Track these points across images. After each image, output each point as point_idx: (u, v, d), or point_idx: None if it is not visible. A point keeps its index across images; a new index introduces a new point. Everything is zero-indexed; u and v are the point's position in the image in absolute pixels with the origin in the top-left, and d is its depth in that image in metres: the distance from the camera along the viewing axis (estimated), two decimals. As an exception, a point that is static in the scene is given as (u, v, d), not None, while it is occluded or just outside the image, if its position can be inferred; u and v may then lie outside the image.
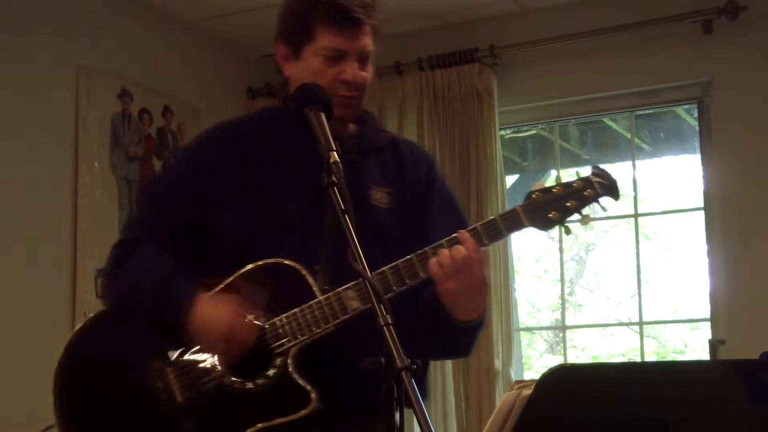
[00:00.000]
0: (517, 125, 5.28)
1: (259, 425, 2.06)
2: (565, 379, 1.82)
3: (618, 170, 6.07)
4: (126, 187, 4.65)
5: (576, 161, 5.60)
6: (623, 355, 7.68)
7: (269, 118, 2.36)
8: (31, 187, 4.22)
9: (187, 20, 4.99)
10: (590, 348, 8.02)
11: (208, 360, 2.11)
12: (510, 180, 5.45)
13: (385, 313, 1.77)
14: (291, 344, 2.08)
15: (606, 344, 8.00)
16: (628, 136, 5.16)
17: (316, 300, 2.09)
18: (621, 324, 7.37)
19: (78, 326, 2.25)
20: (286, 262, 2.11)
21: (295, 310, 2.09)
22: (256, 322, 2.08)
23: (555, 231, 5.44)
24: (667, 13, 4.62)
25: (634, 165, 5.05)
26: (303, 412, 2.05)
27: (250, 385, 2.08)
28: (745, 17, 4.49)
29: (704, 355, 4.98)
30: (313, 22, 2.21)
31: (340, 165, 1.97)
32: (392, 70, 5.11)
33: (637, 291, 5.10)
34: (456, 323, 2.15)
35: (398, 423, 1.74)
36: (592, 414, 1.85)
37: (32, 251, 4.19)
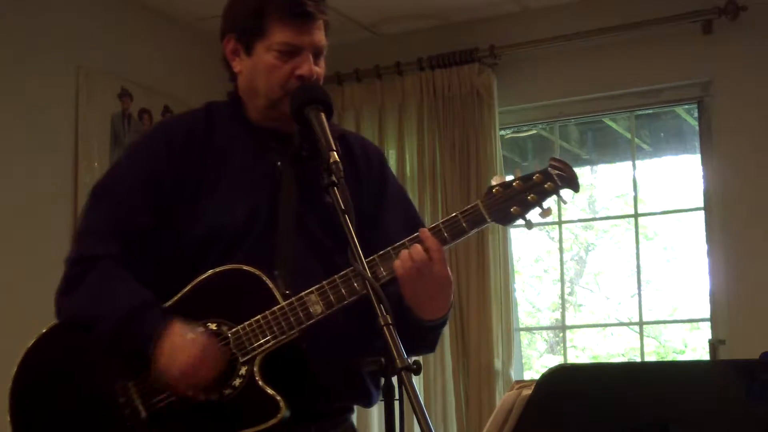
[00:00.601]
0: (517, 125, 5.28)
1: None
2: (565, 379, 1.82)
3: (618, 170, 6.08)
4: (126, 187, 4.65)
5: (576, 161, 5.59)
6: (623, 355, 7.68)
7: (217, 114, 2.29)
8: (31, 187, 4.22)
9: (187, 20, 4.99)
10: (590, 348, 8.01)
11: None
12: (510, 177, 5.44)
13: (385, 313, 1.76)
14: (256, 352, 2.02)
15: (606, 344, 8.00)
16: (628, 136, 5.16)
17: (279, 306, 2.03)
18: (621, 324, 7.36)
19: (31, 341, 2.17)
20: (245, 267, 2.05)
21: (258, 317, 2.03)
22: (222, 353, 2.01)
23: (555, 231, 5.42)
24: (667, 13, 4.62)
25: (634, 165, 5.05)
26: (272, 421, 2.00)
27: (215, 396, 2.02)
28: (745, 17, 4.49)
29: (704, 355, 4.98)
30: (265, 17, 2.15)
31: (340, 165, 1.96)
32: (392, 70, 5.11)
33: (637, 291, 5.10)
34: (420, 322, 2.10)
35: (398, 423, 1.74)
36: (592, 414, 1.85)
37: (32, 251, 4.19)
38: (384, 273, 2.05)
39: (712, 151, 4.66)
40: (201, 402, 2.02)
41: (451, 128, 4.97)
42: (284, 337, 2.02)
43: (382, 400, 1.79)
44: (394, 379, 1.74)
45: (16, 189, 4.17)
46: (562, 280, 5.35)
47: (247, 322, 2.04)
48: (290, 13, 2.14)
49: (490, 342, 4.70)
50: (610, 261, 8.08)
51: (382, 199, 2.27)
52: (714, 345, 4.53)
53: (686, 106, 5.03)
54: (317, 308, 2.03)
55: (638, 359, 5.75)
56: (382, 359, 1.73)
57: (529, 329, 6.97)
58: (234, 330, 2.04)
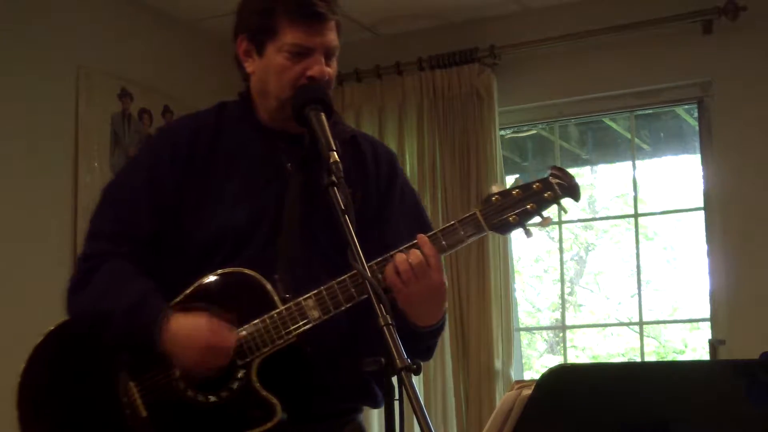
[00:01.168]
0: (517, 125, 5.28)
1: None
2: (565, 379, 1.82)
3: (618, 170, 6.08)
4: (126, 187, 4.65)
5: (576, 161, 5.60)
6: (623, 355, 7.68)
7: (228, 114, 2.30)
8: (31, 187, 4.22)
9: (187, 20, 4.99)
10: (590, 348, 8.01)
11: (170, 374, 2.06)
12: (510, 180, 5.45)
13: (385, 313, 1.77)
14: (254, 356, 2.04)
15: (606, 344, 8.00)
16: (628, 136, 5.15)
17: (277, 310, 2.04)
18: (621, 324, 7.36)
19: (41, 337, 2.20)
20: (246, 271, 2.07)
21: (257, 321, 2.04)
22: (233, 337, 2.03)
23: (555, 231, 5.42)
24: (667, 13, 4.62)
25: (634, 165, 5.05)
26: (268, 425, 2.02)
27: (213, 398, 2.04)
28: (745, 17, 4.49)
29: (704, 355, 4.98)
30: (276, 18, 2.15)
31: (340, 165, 1.96)
32: (392, 70, 5.11)
33: (637, 291, 5.10)
34: (414, 329, 2.10)
35: (398, 423, 1.74)
36: (592, 414, 1.85)
37: (32, 251, 4.19)
38: (383, 282, 2.04)
39: (712, 151, 4.66)
40: (200, 403, 2.04)
41: (451, 128, 4.97)
42: (281, 341, 2.03)
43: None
44: (394, 379, 1.73)
45: (16, 189, 4.17)
46: (562, 280, 5.35)
47: (246, 326, 2.05)
48: (301, 14, 2.14)
49: (490, 342, 4.70)
50: (610, 261, 8.08)
51: (389, 200, 2.27)
52: (714, 345, 4.53)
53: (686, 106, 5.03)
54: (314, 313, 2.04)
55: (638, 359, 5.75)
56: (382, 359, 1.72)
57: (529, 329, 6.97)
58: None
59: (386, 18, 5.07)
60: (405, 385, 1.69)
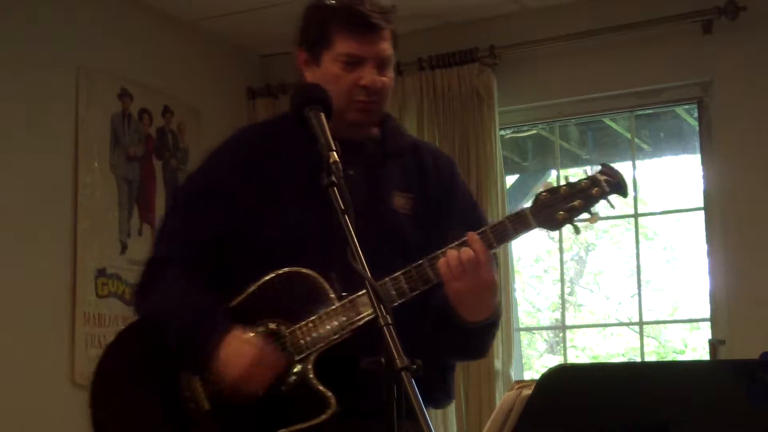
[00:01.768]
0: (517, 125, 5.28)
1: (281, 431, 2.10)
2: (565, 379, 1.82)
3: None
4: (126, 187, 4.65)
5: (576, 161, 5.59)
6: (623, 355, 7.68)
7: (292, 123, 2.32)
8: (31, 187, 4.22)
9: (187, 20, 4.99)
10: (590, 348, 8.02)
11: None
12: (510, 180, 5.45)
13: (384, 313, 1.77)
14: (310, 351, 2.11)
15: (606, 344, 8.00)
16: (628, 136, 5.15)
17: (332, 307, 2.12)
18: (621, 324, 7.37)
19: (121, 329, 2.33)
20: (303, 270, 2.14)
21: (313, 317, 2.12)
22: (280, 359, 2.11)
23: (555, 231, 5.42)
24: (667, 13, 4.62)
25: (634, 165, 5.05)
26: (323, 417, 2.08)
27: (272, 392, 2.12)
28: (745, 17, 4.49)
29: (704, 355, 4.98)
30: (330, 29, 2.22)
31: (340, 165, 1.97)
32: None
33: (637, 291, 5.10)
34: (464, 324, 2.16)
35: (397, 423, 1.74)
36: (592, 414, 1.85)
37: (32, 251, 4.19)
38: (434, 278, 2.11)
39: (712, 151, 4.66)
40: (258, 398, 2.11)
41: (451, 128, 4.97)
42: (336, 337, 2.11)
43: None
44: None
45: (16, 189, 4.17)
46: (562, 280, 5.35)
47: (303, 323, 2.12)
48: (353, 24, 2.21)
49: (490, 342, 4.70)
50: (610, 261, 8.09)
51: (449, 207, 2.33)
52: (714, 345, 4.53)
53: (686, 106, 5.02)
54: (367, 309, 2.09)
55: (638, 359, 5.76)
56: (382, 359, 1.73)
57: (529, 329, 6.98)
58: (291, 329, 2.13)
59: (386, 18, 5.06)
60: (405, 385, 1.69)
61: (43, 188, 4.28)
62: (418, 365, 1.72)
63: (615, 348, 7.87)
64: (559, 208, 2.11)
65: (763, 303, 4.39)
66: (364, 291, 2.06)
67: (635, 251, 5.05)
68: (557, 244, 5.36)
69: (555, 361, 7.87)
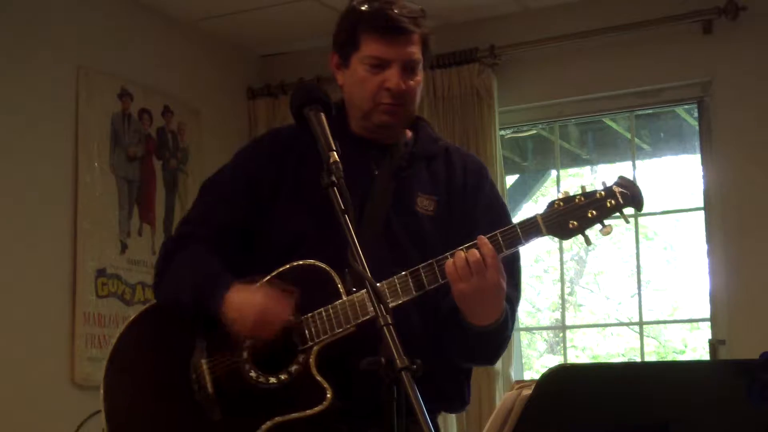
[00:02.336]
0: (517, 125, 5.28)
1: (278, 419, 2.12)
2: (565, 379, 1.82)
3: (618, 170, 6.08)
4: (126, 187, 4.65)
5: (576, 161, 5.60)
6: (623, 355, 7.69)
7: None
8: (31, 187, 4.22)
9: (187, 20, 4.99)
10: (590, 348, 8.02)
11: (239, 355, 2.18)
12: (510, 180, 5.45)
13: (384, 313, 1.77)
14: (314, 342, 2.14)
15: (606, 344, 8.01)
16: (628, 136, 5.16)
17: (340, 301, 2.14)
18: (621, 324, 7.37)
19: (130, 318, 2.35)
20: (318, 264, 2.17)
21: (321, 309, 2.14)
22: (288, 298, 2.14)
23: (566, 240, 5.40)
24: (667, 13, 4.62)
25: (634, 165, 5.05)
26: (317, 408, 2.10)
27: (272, 380, 2.16)
28: (745, 17, 4.49)
29: (704, 355, 4.98)
30: (358, 32, 2.25)
31: (340, 165, 1.98)
32: (392, 70, 5.10)
33: (637, 291, 5.10)
34: (471, 328, 2.17)
35: (398, 422, 1.74)
36: (592, 414, 1.85)
37: (32, 251, 4.19)
38: (441, 278, 2.13)
39: (712, 151, 4.66)
40: (260, 384, 2.16)
41: (451, 128, 4.97)
42: (341, 330, 2.13)
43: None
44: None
45: (16, 189, 4.17)
46: (562, 280, 5.35)
47: (310, 314, 2.15)
48: (380, 27, 2.23)
49: (490, 342, 4.70)
50: (610, 261, 8.09)
51: (476, 209, 2.33)
52: (714, 345, 4.53)
53: (686, 106, 5.03)
54: (371, 306, 2.07)
55: (638, 359, 5.76)
56: (382, 359, 1.73)
57: (529, 329, 6.98)
58: (297, 320, 2.16)
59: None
60: (405, 385, 1.69)
61: (43, 188, 4.28)
62: (418, 365, 1.72)
63: (615, 348, 7.87)
64: (572, 218, 2.11)
65: (763, 303, 4.39)
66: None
67: (635, 251, 5.05)
68: (557, 244, 5.36)
69: (555, 361, 7.88)
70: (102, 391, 2.29)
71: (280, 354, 2.16)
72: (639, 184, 2.14)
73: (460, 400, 2.37)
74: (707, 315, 4.69)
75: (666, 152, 5.70)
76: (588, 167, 6.22)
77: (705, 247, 4.69)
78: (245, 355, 2.19)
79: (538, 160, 5.63)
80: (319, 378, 2.12)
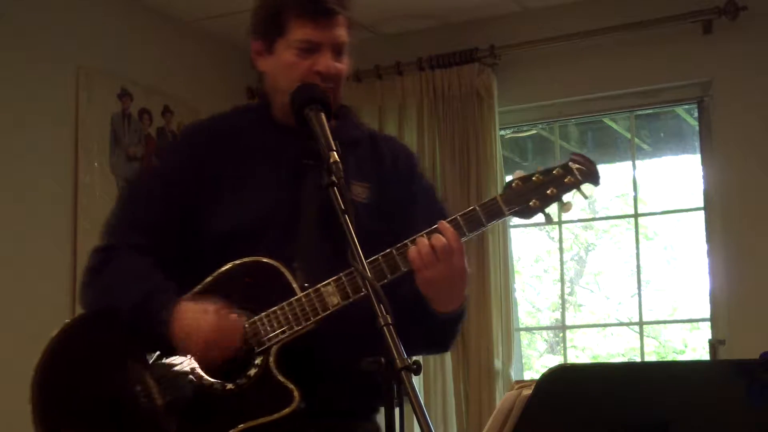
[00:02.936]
0: (517, 125, 5.28)
1: (241, 426, 2.03)
2: (565, 379, 1.82)
3: (618, 170, 6.08)
4: (126, 187, 4.66)
5: (576, 161, 5.58)
6: (623, 355, 7.68)
7: (245, 115, 2.34)
8: (31, 187, 4.22)
9: (187, 20, 4.99)
10: (590, 348, 8.01)
11: (186, 361, 2.07)
12: (509, 178, 5.44)
13: (385, 313, 1.77)
14: (272, 342, 2.05)
15: (606, 344, 7.99)
16: (628, 136, 5.15)
17: (296, 297, 2.06)
18: (621, 324, 7.36)
19: (55, 332, 2.18)
20: (264, 260, 2.09)
21: (275, 308, 2.06)
22: (240, 321, 2.05)
23: (555, 231, 5.41)
24: (667, 13, 4.62)
25: (634, 165, 5.05)
26: (286, 411, 2.02)
27: (230, 385, 2.06)
28: (745, 17, 4.49)
29: (704, 355, 4.98)
30: (284, 15, 2.18)
31: (340, 165, 1.97)
32: (392, 70, 5.11)
33: (637, 291, 5.10)
34: (434, 315, 2.12)
35: (398, 422, 1.74)
36: (592, 414, 1.85)
37: (32, 251, 4.19)
38: (403, 267, 2.07)
39: (712, 151, 4.66)
40: (217, 391, 2.05)
41: (451, 128, 4.97)
42: (300, 327, 2.05)
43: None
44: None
45: (16, 189, 4.17)
46: (562, 280, 5.35)
47: (264, 313, 2.06)
48: (308, 10, 2.17)
49: (490, 342, 4.70)
50: (610, 261, 8.08)
51: (410, 198, 2.29)
52: (714, 345, 4.53)
53: (686, 106, 5.03)
54: (334, 299, 2.06)
55: (638, 359, 5.75)
56: (382, 359, 1.72)
57: (529, 329, 6.97)
58: (251, 321, 2.07)
59: (386, 18, 5.07)
60: (405, 385, 1.69)
61: (43, 188, 4.28)
62: (418, 365, 1.72)
63: (615, 348, 7.86)
64: (532, 196, 2.10)
65: (763, 303, 4.39)
66: (329, 280, 2.05)
67: (635, 251, 5.05)
68: (557, 244, 5.36)
69: (555, 361, 7.87)
70: (33, 418, 2.14)
71: (235, 357, 2.07)
72: (593, 160, 2.14)
73: (384, 394, 2.27)
74: (707, 315, 4.69)
75: (666, 152, 5.69)
76: (600, 178, 6.21)
77: (705, 247, 4.69)
78: (193, 360, 2.07)
79: (538, 160, 5.62)
80: (282, 379, 2.04)
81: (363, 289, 1.99)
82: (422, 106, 5.04)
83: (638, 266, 5.04)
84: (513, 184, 2.11)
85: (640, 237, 5.26)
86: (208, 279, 2.12)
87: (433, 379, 4.81)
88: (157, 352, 2.10)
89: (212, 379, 2.07)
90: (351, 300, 2.05)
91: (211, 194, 2.20)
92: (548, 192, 2.10)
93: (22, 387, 4.35)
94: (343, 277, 2.06)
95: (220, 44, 5.22)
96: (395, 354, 1.71)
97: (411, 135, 5.07)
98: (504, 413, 1.88)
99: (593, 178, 2.12)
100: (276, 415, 2.02)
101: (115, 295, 2.13)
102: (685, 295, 6.81)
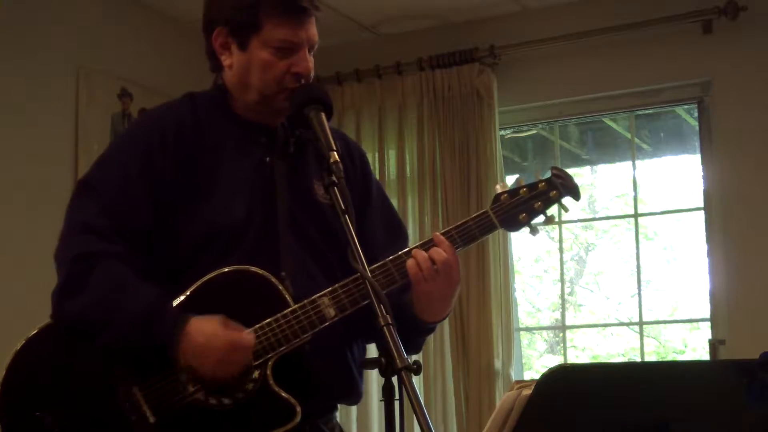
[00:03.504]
0: (517, 125, 5.28)
1: None
2: (565, 379, 1.82)
3: (618, 170, 6.08)
4: (126, 187, 4.65)
5: (576, 161, 5.59)
6: (623, 355, 7.68)
7: (203, 107, 2.26)
8: (31, 187, 4.22)
9: (187, 20, 4.98)
10: (590, 348, 8.01)
11: (175, 377, 2.00)
12: (510, 180, 5.44)
13: (385, 313, 1.77)
14: (268, 356, 1.99)
15: (606, 344, 8.00)
16: (628, 136, 5.15)
17: (290, 309, 2.01)
18: (621, 324, 7.36)
19: (20, 344, 2.06)
20: (252, 269, 2.03)
21: (270, 320, 2.00)
22: (252, 337, 1.99)
23: (555, 231, 5.41)
24: (667, 13, 4.62)
25: (634, 165, 5.05)
26: (289, 426, 1.99)
27: (227, 401, 1.99)
28: (745, 17, 4.49)
29: (704, 355, 4.98)
30: (260, 12, 2.12)
31: (340, 165, 1.96)
32: (392, 70, 5.11)
33: (637, 291, 5.10)
34: (420, 324, 2.14)
35: (398, 423, 1.74)
36: (592, 414, 1.85)
37: (32, 251, 4.18)
38: (400, 279, 2.07)
39: (712, 151, 4.66)
40: (212, 407, 1.99)
41: (451, 128, 4.97)
42: (297, 340, 2.01)
43: (381, 400, 1.78)
44: (395, 379, 1.73)
45: (16, 189, 4.17)
46: (562, 280, 5.35)
47: (259, 325, 2.01)
48: (286, 9, 2.12)
49: (490, 342, 4.70)
50: (610, 261, 8.08)
51: (366, 199, 2.27)
52: (714, 345, 4.53)
53: (686, 106, 5.02)
54: (330, 311, 2.03)
55: (638, 359, 5.75)
56: (382, 359, 1.72)
57: (529, 329, 6.97)
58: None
59: (386, 18, 5.07)
60: (405, 385, 1.69)
61: (43, 188, 4.28)
62: (418, 365, 1.72)
63: (615, 348, 7.86)
64: (521, 210, 2.16)
65: (763, 303, 4.39)
66: (324, 292, 2.02)
67: (635, 251, 5.05)
68: (557, 244, 5.36)
69: (555, 361, 7.87)
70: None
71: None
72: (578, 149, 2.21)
73: (360, 393, 2.23)
74: (707, 315, 4.69)
75: (666, 152, 5.69)
76: (588, 167, 6.22)
77: (705, 247, 4.69)
78: (184, 376, 1.99)
79: (538, 160, 5.62)
80: (283, 394, 1.99)
81: (361, 302, 2.01)
82: (422, 106, 5.04)
83: (638, 266, 5.04)
84: (501, 197, 2.16)
85: (640, 237, 5.27)
86: (193, 288, 2.03)
87: (433, 379, 4.81)
88: (142, 367, 2.00)
89: (207, 395, 2.00)
90: (348, 312, 2.04)
91: (181, 193, 2.11)
92: (536, 206, 2.15)
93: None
94: (339, 289, 2.03)
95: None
96: (395, 354, 1.71)
97: (411, 135, 5.07)
98: (504, 413, 1.88)
99: (574, 193, 2.18)
100: (280, 430, 2.00)
101: (108, 308, 2.01)
102: (685, 295, 6.81)
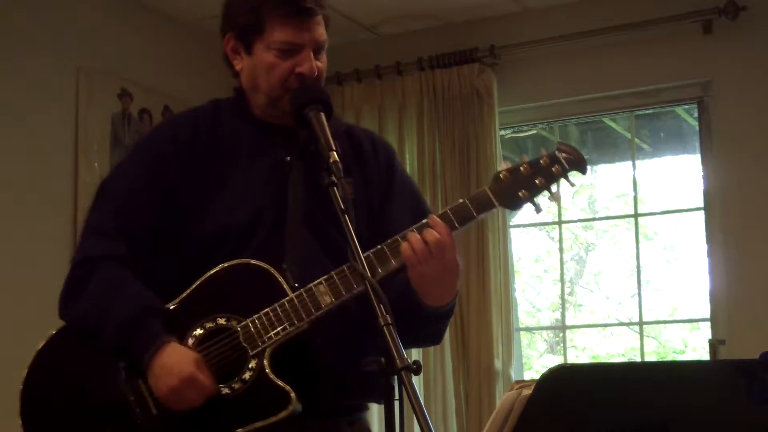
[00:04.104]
0: (517, 125, 5.28)
1: (239, 430, 2.01)
2: (565, 379, 1.82)
3: (618, 170, 6.08)
4: (126, 187, 4.65)
5: (576, 161, 5.58)
6: (623, 355, 7.68)
7: (224, 111, 2.29)
8: (31, 187, 4.22)
9: (187, 20, 4.99)
10: (590, 348, 8.01)
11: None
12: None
13: (385, 313, 1.76)
14: (265, 345, 2.03)
15: (606, 344, 7.99)
16: (628, 136, 5.16)
17: (287, 298, 2.03)
18: (621, 324, 7.36)
19: (41, 343, 2.17)
20: (253, 262, 2.06)
21: (267, 309, 2.03)
22: (213, 387, 2.02)
23: (555, 231, 5.41)
24: (667, 13, 4.62)
25: (634, 165, 5.05)
26: (283, 413, 2.00)
27: (225, 390, 2.03)
28: (745, 17, 4.50)
29: (704, 355, 4.98)
30: (263, 15, 2.14)
31: (340, 165, 1.96)
32: (392, 70, 5.11)
33: (637, 291, 5.10)
34: (426, 310, 2.12)
35: (398, 423, 1.74)
36: (592, 414, 1.85)
37: (32, 251, 4.19)
38: (394, 263, 2.06)
39: (712, 151, 4.66)
40: (212, 397, 2.03)
41: (451, 128, 4.97)
42: (293, 328, 2.02)
43: (381, 402, 1.78)
44: (394, 379, 1.73)
45: (16, 189, 4.17)
46: (562, 280, 5.35)
47: (256, 315, 2.04)
48: (288, 11, 2.13)
49: (490, 342, 4.70)
50: (610, 261, 8.08)
51: (389, 192, 2.28)
52: (714, 345, 4.53)
53: (686, 106, 5.03)
54: (326, 299, 2.04)
55: (638, 359, 5.75)
56: (382, 359, 1.72)
57: (529, 329, 6.97)
58: (243, 323, 2.05)
59: (386, 18, 5.07)
60: (405, 385, 1.69)
61: (43, 188, 4.28)
62: (418, 364, 1.72)
63: (615, 348, 7.86)
64: (521, 187, 2.09)
65: (763, 303, 4.39)
66: (320, 280, 2.03)
67: (635, 251, 5.05)
68: (557, 244, 5.36)
69: (555, 361, 7.87)
70: (23, 430, 2.12)
71: (229, 361, 2.05)
72: (579, 149, 2.13)
73: (380, 390, 2.27)
74: (707, 315, 4.70)
75: (666, 152, 5.70)
76: (588, 167, 6.21)
77: (705, 247, 4.69)
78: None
79: (538, 160, 5.62)
80: (278, 382, 2.01)
81: (356, 287, 2.01)
82: (422, 106, 5.04)
83: (638, 266, 5.04)
84: (501, 176, 2.10)
85: (640, 237, 5.27)
86: (197, 283, 2.08)
87: (433, 379, 4.81)
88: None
89: None
90: (344, 298, 2.03)
91: (193, 195, 2.16)
92: (536, 182, 2.09)
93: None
94: (335, 275, 2.04)
95: (221, 44, 5.21)
96: (395, 354, 1.71)
97: (411, 135, 5.07)
98: (504, 413, 1.89)
99: (580, 166, 2.11)
100: (273, 419, 2.00)
101: (100, 316, 2.10)
102: (685, 295, 6.81)
